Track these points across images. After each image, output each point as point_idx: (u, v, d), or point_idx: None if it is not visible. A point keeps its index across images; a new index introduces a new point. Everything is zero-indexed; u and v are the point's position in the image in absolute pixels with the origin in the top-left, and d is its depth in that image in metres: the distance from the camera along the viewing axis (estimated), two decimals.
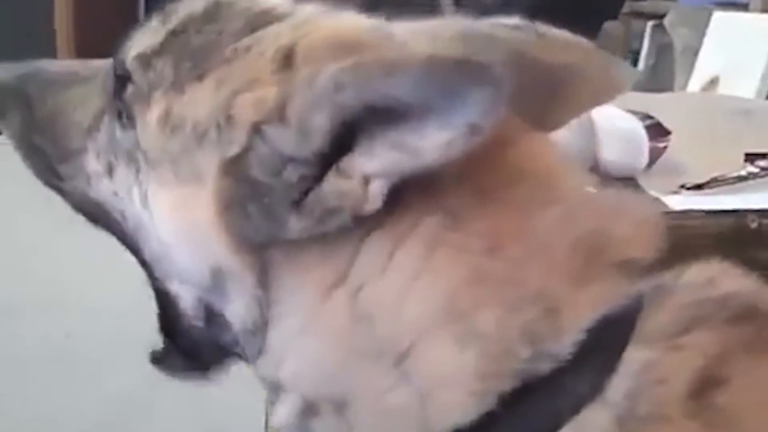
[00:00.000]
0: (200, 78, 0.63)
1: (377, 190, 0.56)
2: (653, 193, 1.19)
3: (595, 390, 0.55)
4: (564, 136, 0.70)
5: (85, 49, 4.20)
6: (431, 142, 0.53)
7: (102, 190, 0.70)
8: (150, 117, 0.65)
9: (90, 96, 0.73)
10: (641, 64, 3.98)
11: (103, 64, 0.74)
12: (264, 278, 0.60)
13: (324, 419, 0.60)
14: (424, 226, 0.57)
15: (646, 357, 0.55)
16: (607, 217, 0.59)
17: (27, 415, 2.10)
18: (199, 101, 0.63)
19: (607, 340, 0.55)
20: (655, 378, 0.54)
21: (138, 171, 0.66)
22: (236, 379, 0.70)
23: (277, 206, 0.58)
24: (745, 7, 3.68)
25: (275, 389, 0.63)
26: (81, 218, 0.73)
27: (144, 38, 0.68)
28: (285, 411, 0.62)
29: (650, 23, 4.02)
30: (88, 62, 0.78)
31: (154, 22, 0.69)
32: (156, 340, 0.71)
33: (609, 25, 3.18)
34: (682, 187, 1.24)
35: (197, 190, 0.62)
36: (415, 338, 0.56)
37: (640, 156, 1.26)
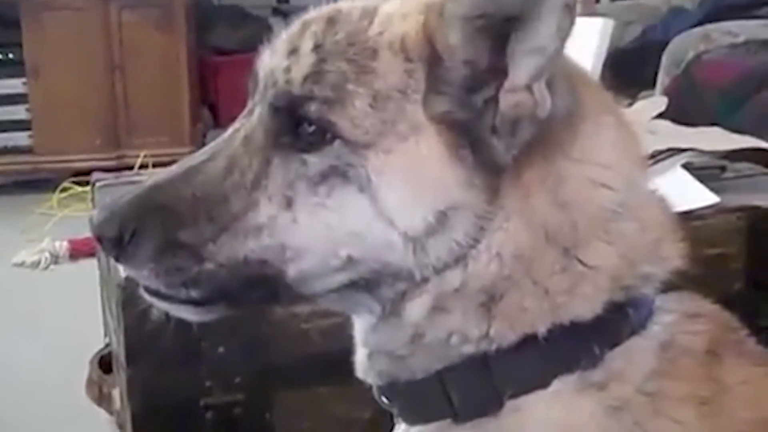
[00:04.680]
0: (374, 56, 0.77)
1: (540, 92, 0.73)
2: None
3: (644, 324, 0.80)
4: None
5: None
6: (547, 35, 0.70)
7: (276, 230, 0.77)
8: (358, 106, 0.75)
9: (238, 158, 0.79)
10: None
11: (219, 137, 0.81)
12: (492, 198, 0.75)
13: (468, 314, 0.77)
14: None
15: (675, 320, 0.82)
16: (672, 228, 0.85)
17: None
18: (388, 70, 0.76)
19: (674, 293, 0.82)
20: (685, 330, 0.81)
21: (345, 172, 0.75)
22: None
23: (483, 135, 0.74)
24: None
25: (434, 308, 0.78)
26: None
27: (295, 68, 0.78)
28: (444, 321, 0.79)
29: None
30: (190, 156, 0.82)
31: (282, 59, 0.79)
32: None
33: None
34: None
35: (421, 138, 0.75)
36: (590, 232, 0.76)
37: None
